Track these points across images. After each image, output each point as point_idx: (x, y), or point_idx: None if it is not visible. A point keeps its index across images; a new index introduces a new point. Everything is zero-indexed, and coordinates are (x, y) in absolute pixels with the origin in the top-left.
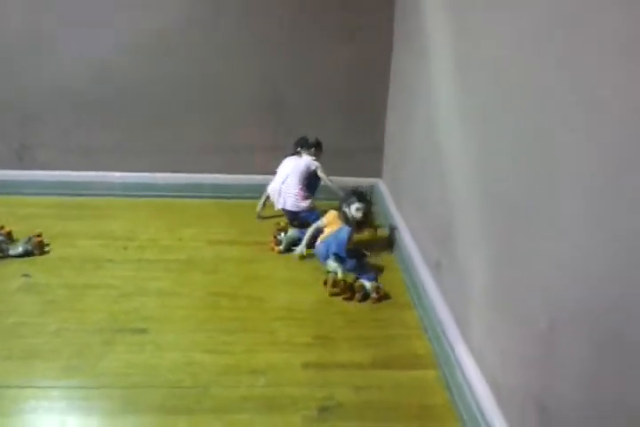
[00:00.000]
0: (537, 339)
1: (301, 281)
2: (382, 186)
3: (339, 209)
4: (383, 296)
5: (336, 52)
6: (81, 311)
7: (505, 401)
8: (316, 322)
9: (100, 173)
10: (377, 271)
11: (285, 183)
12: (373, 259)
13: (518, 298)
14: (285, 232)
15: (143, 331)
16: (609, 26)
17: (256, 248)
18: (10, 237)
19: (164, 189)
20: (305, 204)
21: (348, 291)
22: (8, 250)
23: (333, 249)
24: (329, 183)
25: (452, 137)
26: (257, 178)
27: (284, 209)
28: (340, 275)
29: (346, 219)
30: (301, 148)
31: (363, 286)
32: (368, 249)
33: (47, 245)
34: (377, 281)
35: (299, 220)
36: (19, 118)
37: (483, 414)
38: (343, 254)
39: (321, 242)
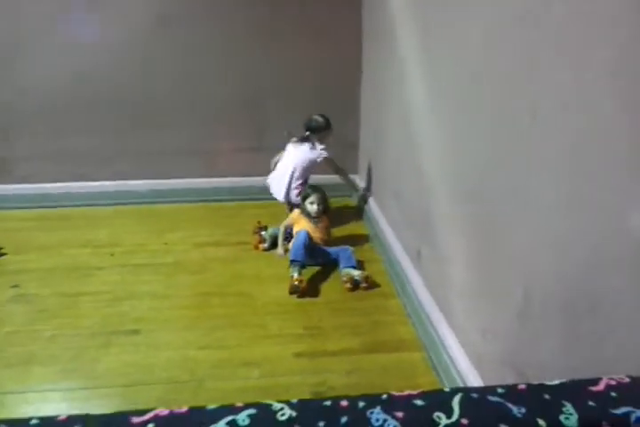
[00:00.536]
0: (514, 312)
1: (285, 276)
2: (359, 181)
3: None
4: (372, 285)
5: (308, 51)
6: (74, 317)
7: (487, 373)
8: (304, 314)
9: (81, 184)
10: (360, 262)
11: (293, 177)
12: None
13: (495, 276)
14: (266, 230)
15: (136, 332)
16: (561, 20)
17: (240, 248)
18: None
19: (145, 196)
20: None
21: (307, 290)
22: None
23: (290, 256)
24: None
25: (426, 129)
26: (238, 180)
27: (288, 202)
28: (295, 277)
29: (307, 214)
30: (311, 132)
31: (351, 277)
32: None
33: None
34: (363, 270)
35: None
36: None
37: None
38: (298, 259)
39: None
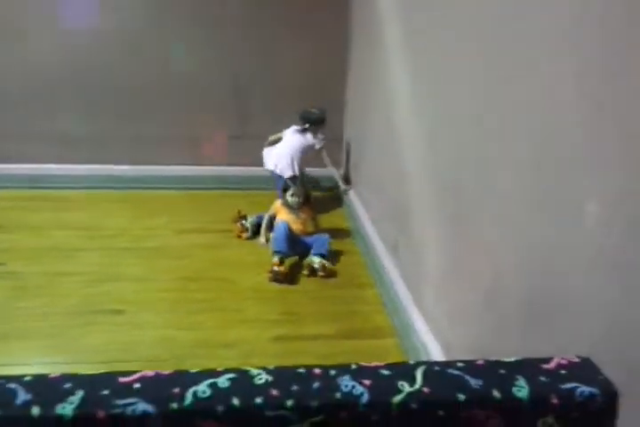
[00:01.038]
0: (481, 298)
1: (266, 264)
2: (340, 174)
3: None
4: (329, 274)
5: (295, 46)
6: (57, 296)
7: (455, 357)
8: (282, 300)
9: (64, 166)
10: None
11: (295, 158)
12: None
13: (465, 267)
14: (246, 219)
15: (119, 312)
16: (538, 22)
17: (222, 235)
18: None
19: (129, 181)
20: (294, 173)
21: (287, 278)
22: None
23: (274, 247)
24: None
25: (406, 125)
26: (220, 169)
27: (279, 175)
28: (276, 265)
29: (288, 206)
30: (310, 125)
31: (309, 263)
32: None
33: None
34: (327, 259)
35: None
36: None
37: None
38: (282, 250)
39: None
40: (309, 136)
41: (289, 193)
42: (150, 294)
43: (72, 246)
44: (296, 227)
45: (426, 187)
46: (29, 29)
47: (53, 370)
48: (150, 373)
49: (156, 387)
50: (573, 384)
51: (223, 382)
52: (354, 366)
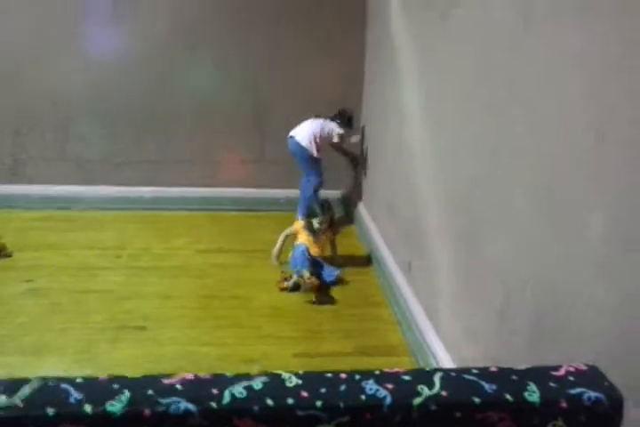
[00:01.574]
0: (493, 315)
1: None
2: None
3: (306, 218)
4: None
5: (312, 66)
6: (83, 312)
7: None
8: (300, 318)
9: (90, 188)
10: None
11: (316, 136)
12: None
13: (477, 284)
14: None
15: (143, 328)
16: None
17: (241, 255)
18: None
19: (151, 202)
20: (314, 151)
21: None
22: None
23: (294, 266)
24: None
25: (418, 146)
26: (240, 191)
27: (297, 143)
28: (307, 277)
29: (310, 229)
30: (339, 119)
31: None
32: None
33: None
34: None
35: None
36: (11, 134)
37: None
38: (302, 268)
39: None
40: (334, 125)
41: (316, 220)
42: (172, 310)
43: (96, 265)
44: (313, 250)
45: (437, 207)
46: (53, 57)
47: None
48: (190, 375)
49: (196, 388)
50: (581, 390)
51: (257, 384)
52: (377, 372)
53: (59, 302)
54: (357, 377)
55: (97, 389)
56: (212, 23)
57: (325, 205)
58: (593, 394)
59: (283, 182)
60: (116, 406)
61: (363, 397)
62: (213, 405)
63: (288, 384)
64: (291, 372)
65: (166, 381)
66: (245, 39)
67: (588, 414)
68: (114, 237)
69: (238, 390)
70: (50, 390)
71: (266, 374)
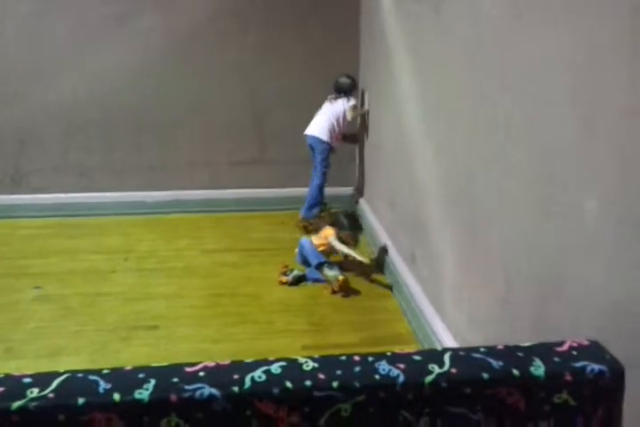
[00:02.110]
0: (497, 300)
1: None
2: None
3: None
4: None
5: (309, 70)
6: (95, 315)
7: None
8: (308, 312)
9: (94, 194)
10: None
11: (334, 124)
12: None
13: (480, 271)
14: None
15: (156, 327)
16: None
17: (245, 254)
18: None
19: (154, 207)
20: (329, 140)
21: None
22: None
23: (315, 261)
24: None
25: (418, 140)
26: (242, 192)
27: (314, 136)
28: (341, 278)
29: (341, 240)
30: (340, 94)
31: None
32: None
33: None
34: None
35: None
36: (14, 144)
37: None
38: (322, 260)
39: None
40: (341, 104)
41: (347, 233)
42: (183, 310)
43: (104, 269)
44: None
45: (438, 198)
46: (55, 69)
47: None
48: (211, 363)
49: (218, 374)
50: (584, 363)
51: (276, 368)
52: (389, 354)
53: (70, 306)
54: (370, 359)
55: (124, 378)
56: (207, 32)
57: (353, 218)
58: (596, 366)
59: (282, 182)
60: (143, 393)
61: (377, 376)
62: (235, 389)
63: (305, 368)
64: (307, 357)
65: (189, 369)
66: (241, 44)
67: (592, 385)
68: (119, 241)
69: (258, 374)
70: (79, 381)
71: (282, 359)
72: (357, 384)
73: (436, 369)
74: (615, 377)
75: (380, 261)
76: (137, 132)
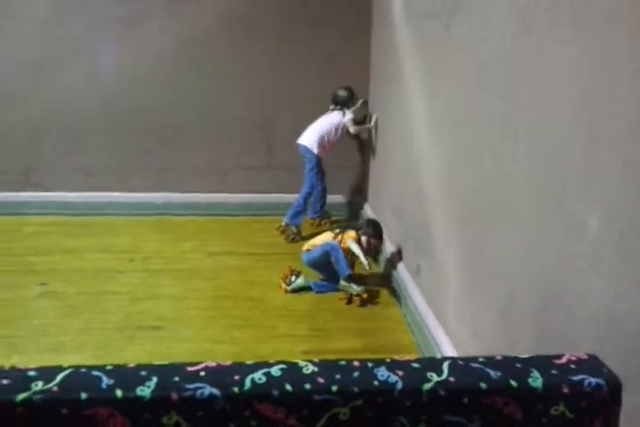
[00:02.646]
0: (498, 312)
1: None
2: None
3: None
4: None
5: (318, 77)
6: (99, 313)
7: None
8: (311, 318)
9: (102, 194)
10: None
11: (325, 134)
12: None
13: (482, 284)
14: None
15: (159, 328)
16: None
17: (250, 258)
18: None
19: (161, 208)
20: (318, 152)
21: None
22: None
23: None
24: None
25: (425, 155)
26: (247, 196)
27: (304, 146)
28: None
29: (359, 244)
30: (339, 106)
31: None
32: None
33: None
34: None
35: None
36: (24, 142)
37: None
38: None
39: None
40: (338, 116)
41: (374, 242)
42: (186, 311)
43: (110, 268)
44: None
45: (444, 211)
46: (66, 71)
47: None
48: (212, 364)
49: (219, 375)
50: (582, 376)
51: (276, 371)
52: (388, 360)
53: (75, 304)
54: (370, 365)
55: (126, 375)
56: (217, 37)
57: (375, 226)
58: (593, 380)
59: (289, 188)
60: (145, 390)
61: (375, 382)
62: (235, 390)
63: (305, 371)
64: (307, 360)
65: (191, 368)
66: (251, 52)
67: (589, 398)
68: (126, 241)
69: (258, 376)
70: (82, 376)
71: (283, 362)
72: (356, 389)
73: (435, 377)
74: (612, 391)
75: (386, 275)
76: (146, 134)
